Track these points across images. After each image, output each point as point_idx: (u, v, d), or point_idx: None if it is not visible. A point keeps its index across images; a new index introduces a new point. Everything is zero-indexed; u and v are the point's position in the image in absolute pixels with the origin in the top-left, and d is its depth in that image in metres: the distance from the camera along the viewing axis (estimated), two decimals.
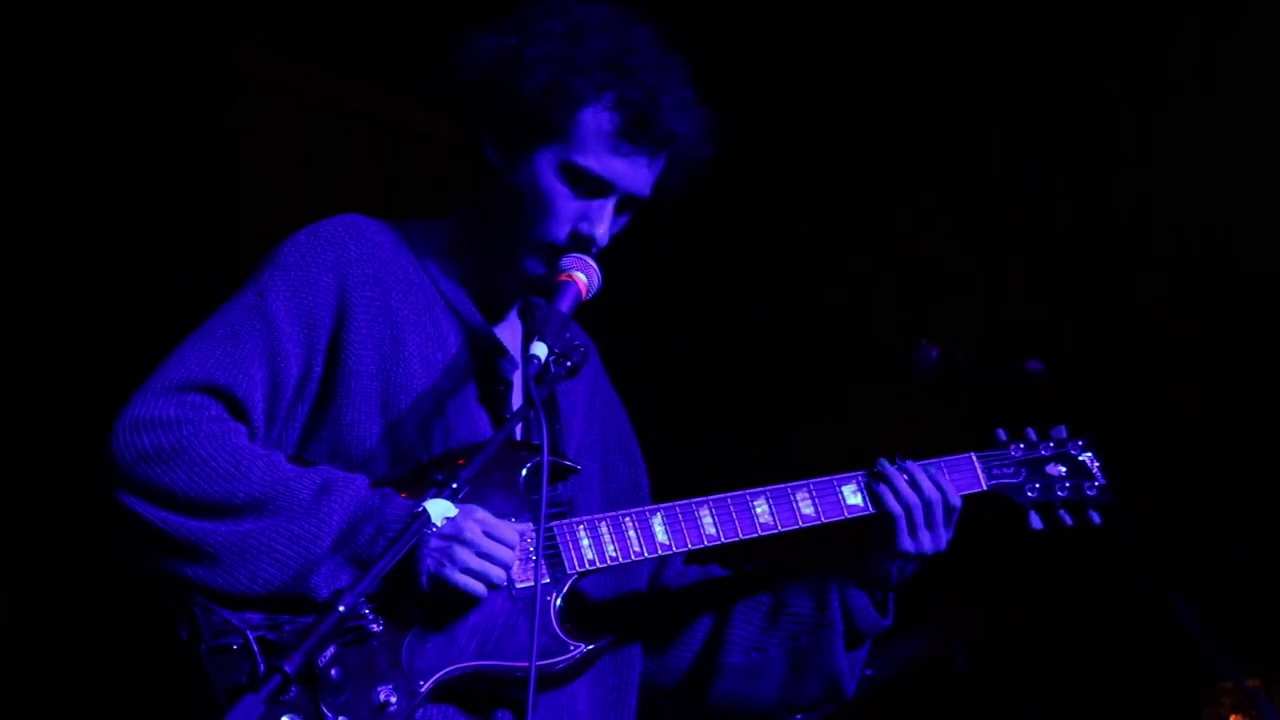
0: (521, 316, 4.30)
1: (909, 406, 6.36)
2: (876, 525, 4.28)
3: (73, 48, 6.33)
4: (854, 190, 7.72)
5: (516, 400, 4.16)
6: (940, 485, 4.27)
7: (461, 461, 3.89)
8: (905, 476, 4.27)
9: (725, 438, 7.25)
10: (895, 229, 7.80)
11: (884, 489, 4.26)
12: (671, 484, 4.38)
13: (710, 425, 7.32)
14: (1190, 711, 7.61)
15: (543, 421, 3.79)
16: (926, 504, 4.25)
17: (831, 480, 4.28)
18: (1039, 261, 7.63)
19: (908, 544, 4.25)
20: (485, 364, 4.13)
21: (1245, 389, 7.46)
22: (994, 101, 7.46)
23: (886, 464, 4.29)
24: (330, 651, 3.58)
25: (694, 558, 4.37)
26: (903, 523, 4.24)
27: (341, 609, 3.41)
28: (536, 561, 3.91)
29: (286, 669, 3.32)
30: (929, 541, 4.26)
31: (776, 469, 4.30)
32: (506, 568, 3.87)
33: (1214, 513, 7.50)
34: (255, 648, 3.73)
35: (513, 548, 3.87)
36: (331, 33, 6.98)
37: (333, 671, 3.67)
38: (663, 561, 4.32)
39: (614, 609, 4.30)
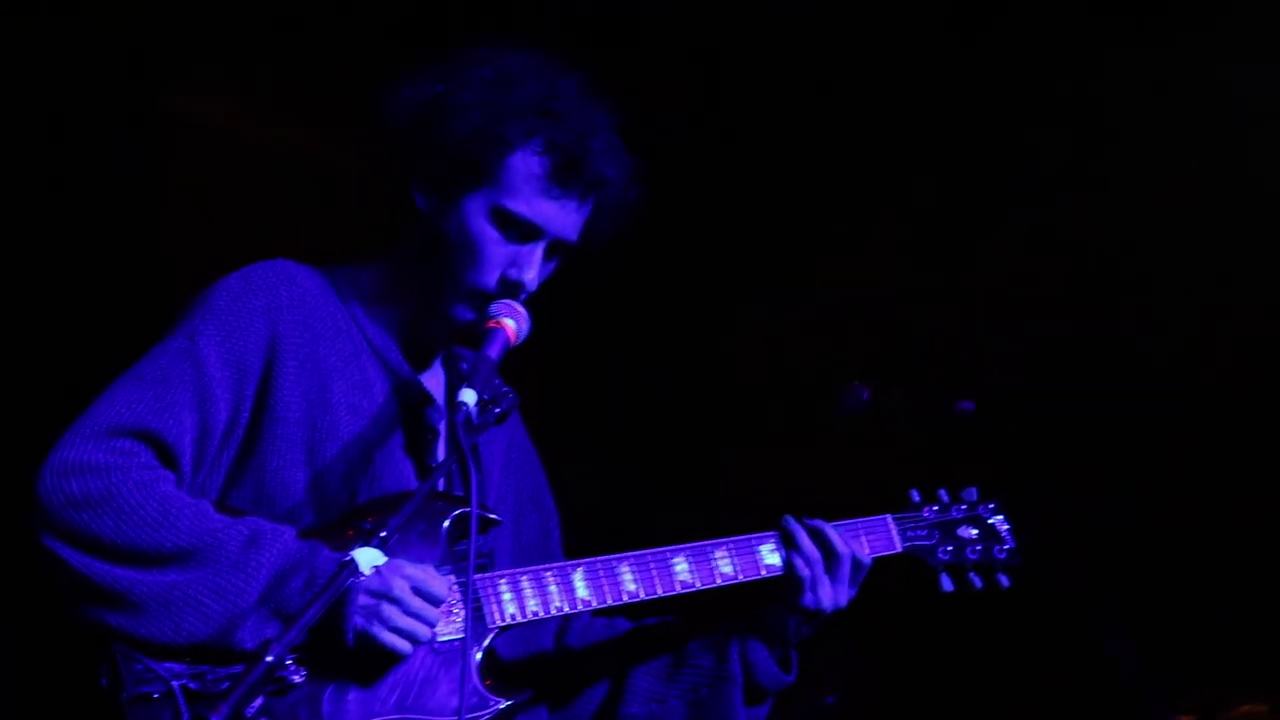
0: (445, 364, 4.31)
1: (834, 455, 6.40)
2: (781, 580, 4.31)
3: None
4: (775, 231, 7.74)
5: (442, 449, 4.18)
6: (846, 544, 4.31)
7: (387, 511, 3.86)
8: (808, 534, 4.30)
9: (647, 489, 7.24)
10: (814, 269, 7.81)
11: (792, 546, 4.29)
12: (590, 536, 4.39)
13: (632, 474, 7.31)
14: None
15: (471, 471, 3.80)
16: (833, 560, 4.28)
17: (749, 540, 4.33)
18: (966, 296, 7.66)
19: (809, 600, 4.29)
20: (412, 412, 4.13)
21: (1185, 428, 7.53)
22: (909, 133, 7.48)
23: (792, 520, 4.33)
24: (258, 703, 3.55)
25: (602, 611, 4.36)
26: (807, 580, 4.27)
27: (270, 659, 3.40)
28: (467, 615, 3.92)
29: (214, 719, 3.29)
30: (829, 598, 4.30)
31: (699, 523, 4.32)
32: (433, 625, 3.87)
33: (1149, 548, 7.59)
34: (180, 697, 3.72)
35: (440, 604, 3.88)
36: (260, 72, 6.93)
37: None
38: (570, 616, 4.31)
39: (525, 665, 4.32)
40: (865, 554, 4.35)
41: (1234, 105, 7.01)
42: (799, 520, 4.33)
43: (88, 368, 4.06)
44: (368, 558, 3.60)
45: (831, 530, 4.32)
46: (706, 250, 7.70)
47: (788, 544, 4.31)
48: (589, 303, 6.33)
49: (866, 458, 5.62)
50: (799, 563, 4.28)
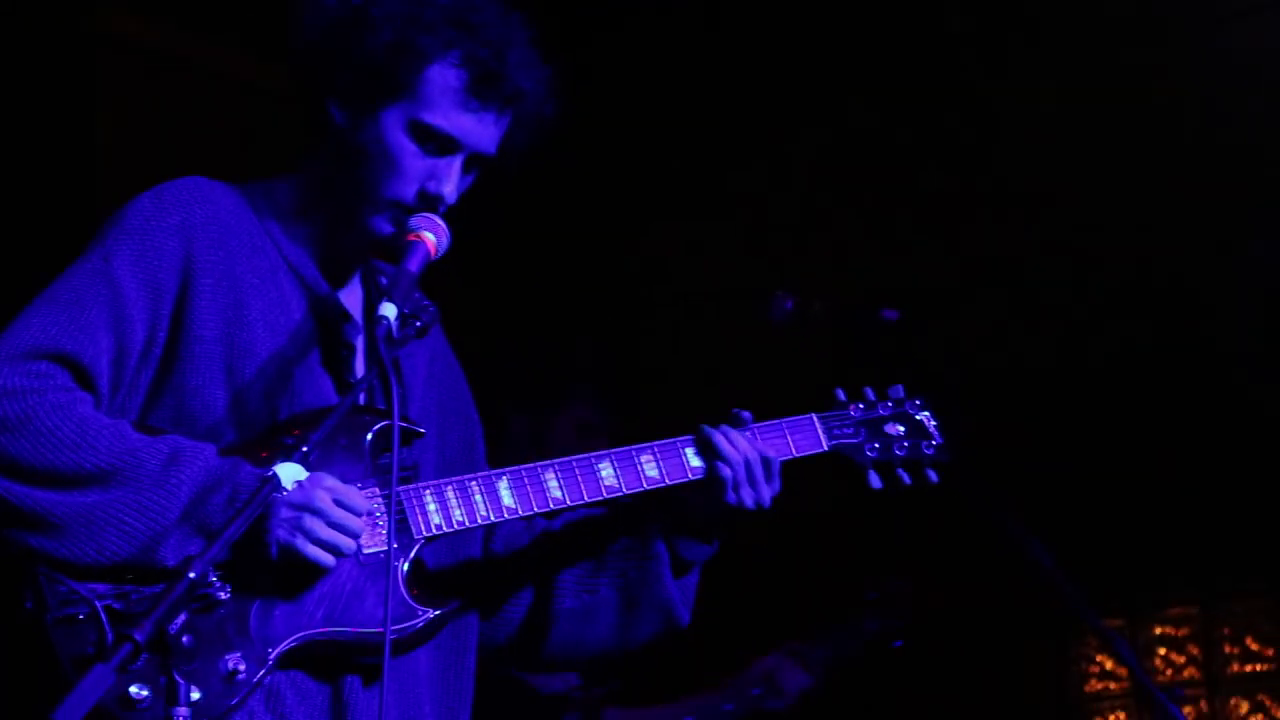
0: (364, 279, 4.32)
1: (765, 357, 6.41)
2: (703, 483, 4.34)
3: None
4: (710, 143, 7.73)
5: (360, 364, 4.19)
6: (754, 445, 4.34)
7: (308, 426, 3.87)
8: (725, 438, 4.32)
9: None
10: (747, 181, 7.82)
11: (710, 452, 4.32)
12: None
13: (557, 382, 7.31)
14: (1061, 650, 7.80)
15: (393, 384, 3.84)
16: (748, 463, 4.30)
17: (675, 443, 4.36)
18: (895, 211, 7.69)
19: (732, 498, 4.32)
20: (329, 329, 4.14)
21: (1098, 334, 7.58)
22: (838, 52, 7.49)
23: (707, 427, 4.35)
24: (181, 619, 3.52)
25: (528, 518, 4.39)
26: (729, 480, 4.30)
27: (192, 575, 3.41)
28: (390, 525, 3.94)
29: (137, 637, 3.30)
30: (751, 498, 4.33)
31: (631, 428, 4.32)
32: (356, 536, 3.89)
33: (1072, 455, 7.64)
34: (104, 617, 3.73)
35: (362, 515, 3.89)
36: None
37: (184, 639, 3.65)
38: (495, 525, 4.31)
39: (452, 574, 4.33)
40: (777, 453, 4.37)
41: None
42: (714, 426, 4.35)
43: (18, 291, 4.03)
44: (289, 473, 3.63)
45: (736, 434, 4.34)
46: (630, 162, 7.69)
47: (705, 449, 4.32)
48: (508, 216, 6.31)
49: (792, 364, 5.62)
50: (720, 466, 4.30)
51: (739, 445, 4.32)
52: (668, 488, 4.31)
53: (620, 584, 4.39)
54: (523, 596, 4.43)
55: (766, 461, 4.34)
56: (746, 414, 4.39)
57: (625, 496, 4.28)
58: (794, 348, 5.02)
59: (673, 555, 4.38)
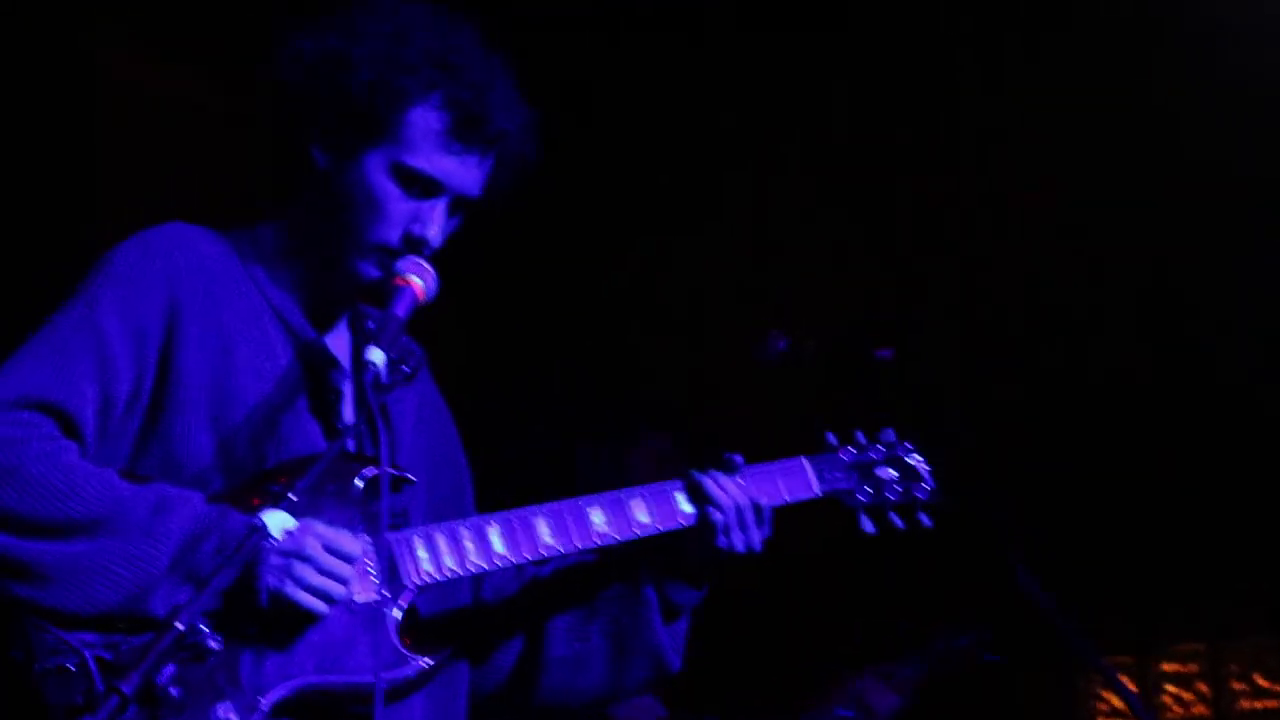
0: (351, 325, 4.30)
1: (753, 400, 6.41)
2: (694, 530, 4.33)
3: None
4: (700, 176, 7.73)
5: (348, 409, 4.18)
6: (745, 491, 4.33)
7: (296, 473, 3.85)
8: (714, 483, 4.32)
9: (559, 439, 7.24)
10: (739, 215, 7.81)
11: (701, 496, 4.32)
12: (505, 490, 4.37)
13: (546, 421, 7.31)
14: (1070, 687, 7.76)
15: (380, 431, 3.83)
16: (739, 509, 4.30)
17: (665, 487, 4.36)
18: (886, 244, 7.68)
19: (723, 543, 4.31)
20: (316, 375, 4.13)
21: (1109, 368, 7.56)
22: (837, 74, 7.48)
23: (697, 473, 4.35)
24: (169, 670, 3.52)
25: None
26: (720, 525, 4.29)
27: (180, 626, 3.41)
28: (380, 573, 3.94)
29: (124, 689, 3.31)
30: (742, 542, 4.32)
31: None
32: (347, 583, 3.87)
33: (1078, 493, 7.62)
34: (93, 667, 3.71)
35: (353, 562, 3.88)
36: (190, 30, 6.89)
37: (172, 690, 3.62)
38: (485, 573, 4.29)
39: (444, 621, 4.29)
40: (769, 499, 4.37)
41: None
42: (703, 470, 4.35)
43: (16, 326, 4.04)
44: (277, 520, 3.61)
45: (727, 479, 4.33)
46: (616, 192, 7.67)
47: (696, 494, 4.32)
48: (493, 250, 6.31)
49: (785, 402, 5.62)
50: (711, 511, 4.30)
51: (730, 491, 4.31)
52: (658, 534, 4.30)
53: (611, 631, 4.36)
54: (512, 644, 4.41)
55: (758, 508, 4.33)
56: (738, 457, 4.39)
57: (616, 545, 4.27)
58: (787, 385, 5.01)
59: (662, 600, 4.36)
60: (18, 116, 6.37)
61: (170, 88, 6.93)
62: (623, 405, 6.82)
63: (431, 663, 4.04)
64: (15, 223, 6.28)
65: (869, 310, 7.42)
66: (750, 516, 4.31)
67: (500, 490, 4.41)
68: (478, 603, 4.41)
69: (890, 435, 4.61)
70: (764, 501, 4.34)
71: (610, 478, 6.17)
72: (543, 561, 4.30)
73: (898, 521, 4.53)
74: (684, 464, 4.39)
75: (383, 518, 3.86)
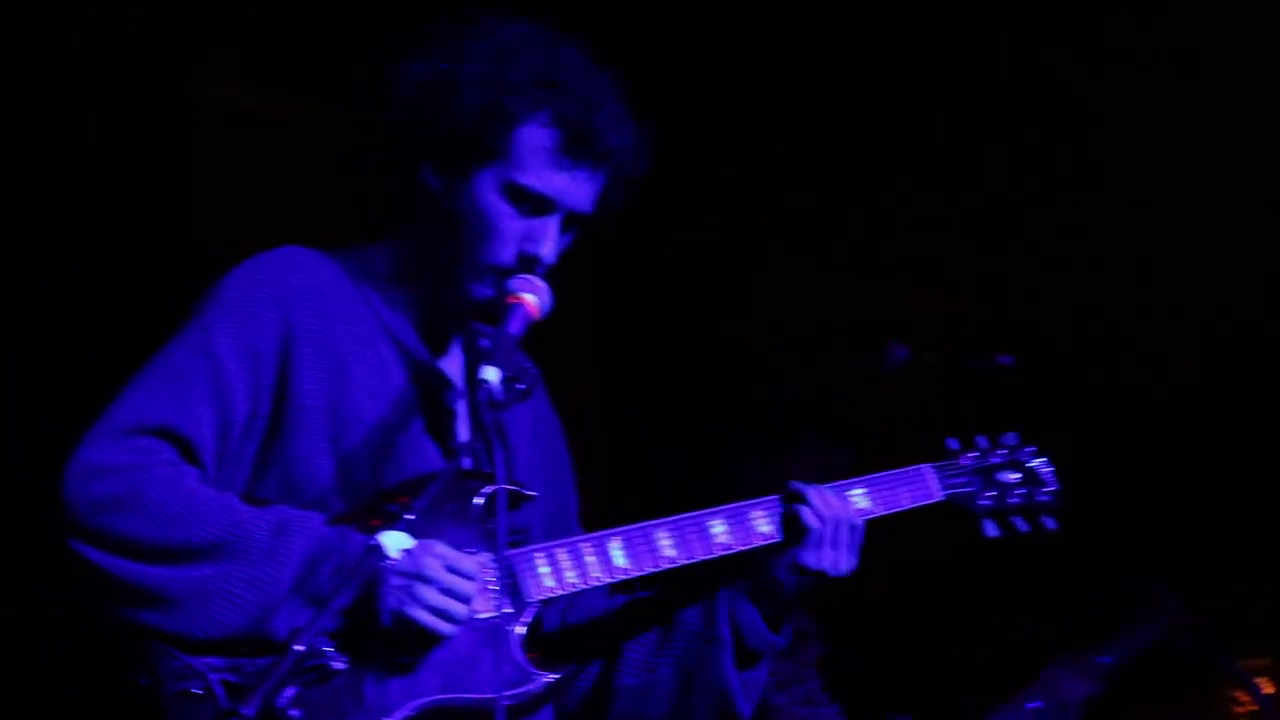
0: (465, 343, 4.32)
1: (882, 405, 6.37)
2: (784, 543, 4.31)
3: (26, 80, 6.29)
4: (814, 187, 7.69)
5: (463, 428, 4.19)
6: (844, 506, 4.30)
7: (414, 493, 3.84)
8: (817, 495, 4.30)
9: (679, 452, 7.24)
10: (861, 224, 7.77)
11: (798, 506, 4.29)
12: (621, 506, 4.37)
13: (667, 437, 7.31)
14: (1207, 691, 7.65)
15: (496, 448, 3.81)
16: (837, 522, 4.28)
17: (776, 500, 4.34)
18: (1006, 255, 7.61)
19: (811, 560, 4.28)
20: (430, 395, 4.15)
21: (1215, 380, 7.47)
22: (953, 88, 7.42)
23: (797, 484, 4.32)
24: (290, 692, 3.54)
25: (642, 579, 4.35)
26: (812, 539, 4.26)
27: (299, 648, 3.43)
28: (500, 590, 3.94)
29: (245, 713, 3.33)
30: (830, 561, 4.30)
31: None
32: (468, 602, 3.87)
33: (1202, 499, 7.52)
34: (218, 691, 3.75)
35: (473, 580, 3.87)
36: (286, 55, 6.95)
37: (293, 712, 3.63)
38: (577, 593, 4.26)
39: (560, 638, 4.33)
40: (858, 517, 4.32)
41: None
42: (805, 483, 4.33)
43: (121, 362, 4.07)
44: (394, 541, 3.62)
45: (831, 493, 4.32)
46: (741, 211, 7.65)
47: (793, 501, 4.30)
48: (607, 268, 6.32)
49: (906, 412, 5.58)
50: (811, 521, 4.27)
51: (831, 504, 4.30)
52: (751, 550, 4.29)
53: (680, 666, 4.34)
54: (589, 670, 4.41)
55: (854, 528, 4.30)
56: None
57: (736, 555, 4.25)
58: (905, 396, 4.98)
59: (738, 643, 4.33)
60: (118, 143, 6.43)
61: (263, 113, 6.97)
62: (778, 415, 6.81)
63: (555, 678, 4.04)
64: (115, 245, 6.34)
65: (987, 318, 7.35)
66: (844, 533, 4.28)
67: (657, 506, 4.38)
68: (563, 623, 4.42)
69: (1013, 439, 4.58)
70: (860, 522, 4.31)
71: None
72: (628, 587, 4.30)
73: (1021, 525, 4.49)
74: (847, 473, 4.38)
75: (500, 534, 3.86)
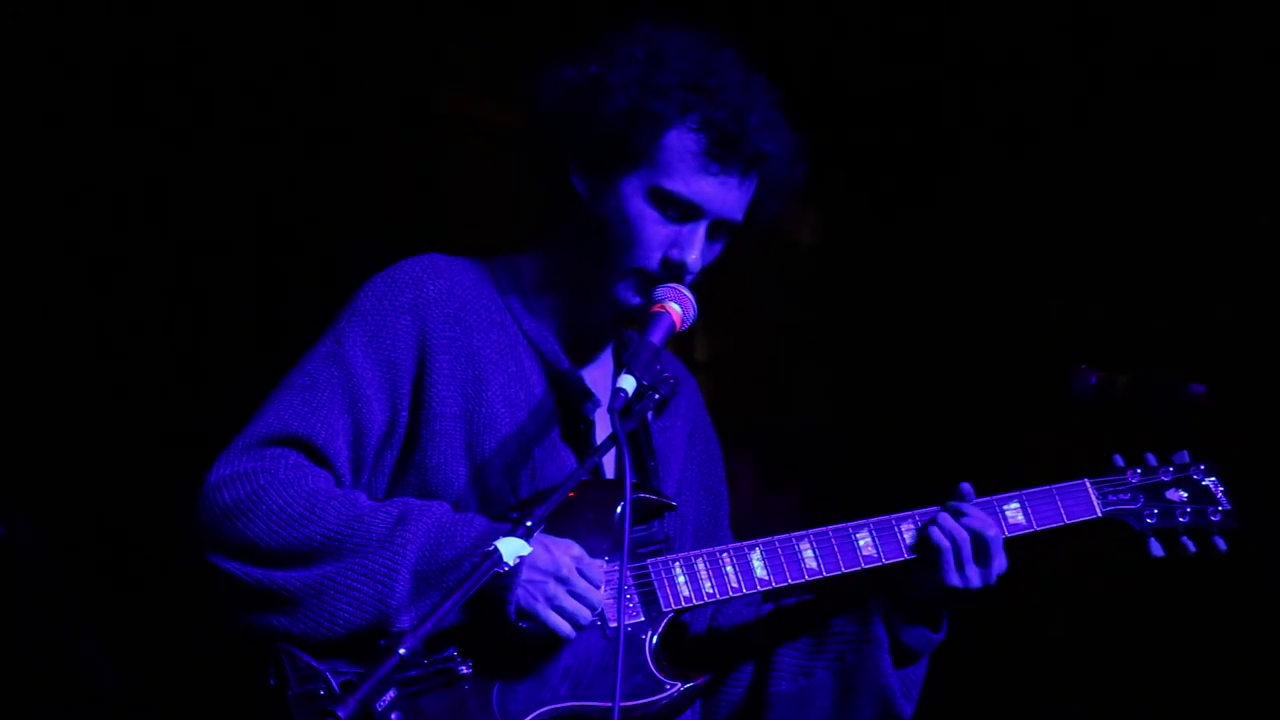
0: (616, 353, 4.32)
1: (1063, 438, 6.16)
2: (927, 559, 4.22)
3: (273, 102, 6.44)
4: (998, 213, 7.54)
5: (602, 438, 4.16)
6: (978, 523, 4.17)
7: (540, 503, 3.83)
8: (952, 515, 4.19)
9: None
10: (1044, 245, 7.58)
11: (931, 525, 4.20)
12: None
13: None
14: None
15: (626, 456, 3.77)
16: (956, 543, 4.15)
17: (933, 509, 4.24)
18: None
19: (955, 579, 4.17)
20: (569, 405, 4.15)
21: None
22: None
23: (955, 502, 4.24)
24: (390, 695, 3.53)
25: (780, 591, 4.29)
26: (949, 557, 4.16)
27: (402, 652, 3.42)
28: (619, 600, 3.90)
29: (340, 714, 3.30)
30: (977, 577, 4.18)
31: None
32: (595, 609, 3.88)
33: None
34: (339, 693, 3.73)
35: (600, 588, 3.89)
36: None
37: (393, 715, 3.63)
38: (722, 601, 4.21)
39: (691, 649, 4.28)
40: (992, 531, 4.17)
41: None
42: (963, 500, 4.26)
43: None
44: (511, 547, 3.62)
45: (974, 509, 4.20)
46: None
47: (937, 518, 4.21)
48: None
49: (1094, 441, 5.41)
50: (942, 540, 4.16)
51: (945, 526, 4.18)
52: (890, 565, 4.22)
53: (837, 668, 4.28)
54: (740, 678, 4.37)
55: (980, 542, 4.15)
56: (966, 487, 4.23)
57: (880, 568, 4.16)
58: (1093, 423, 4.78)
59: (894, 641, 4.26)
60: (373, 159, 6.55)
61: (506, 125, 7.05)
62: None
63: (687, 687, 4.03)
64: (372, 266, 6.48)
65: (1176, 345, 7.06)
66: (968, 550, 4.16)
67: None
68: (711, 632, 4.39)
69: (1184, 457, 4.43)
70: (990, 535, 4.17)
71: None
72: (773, 595, 4.26)
73: (1190, 545, 4.32)
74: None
75: (625, 543, 3.82)
